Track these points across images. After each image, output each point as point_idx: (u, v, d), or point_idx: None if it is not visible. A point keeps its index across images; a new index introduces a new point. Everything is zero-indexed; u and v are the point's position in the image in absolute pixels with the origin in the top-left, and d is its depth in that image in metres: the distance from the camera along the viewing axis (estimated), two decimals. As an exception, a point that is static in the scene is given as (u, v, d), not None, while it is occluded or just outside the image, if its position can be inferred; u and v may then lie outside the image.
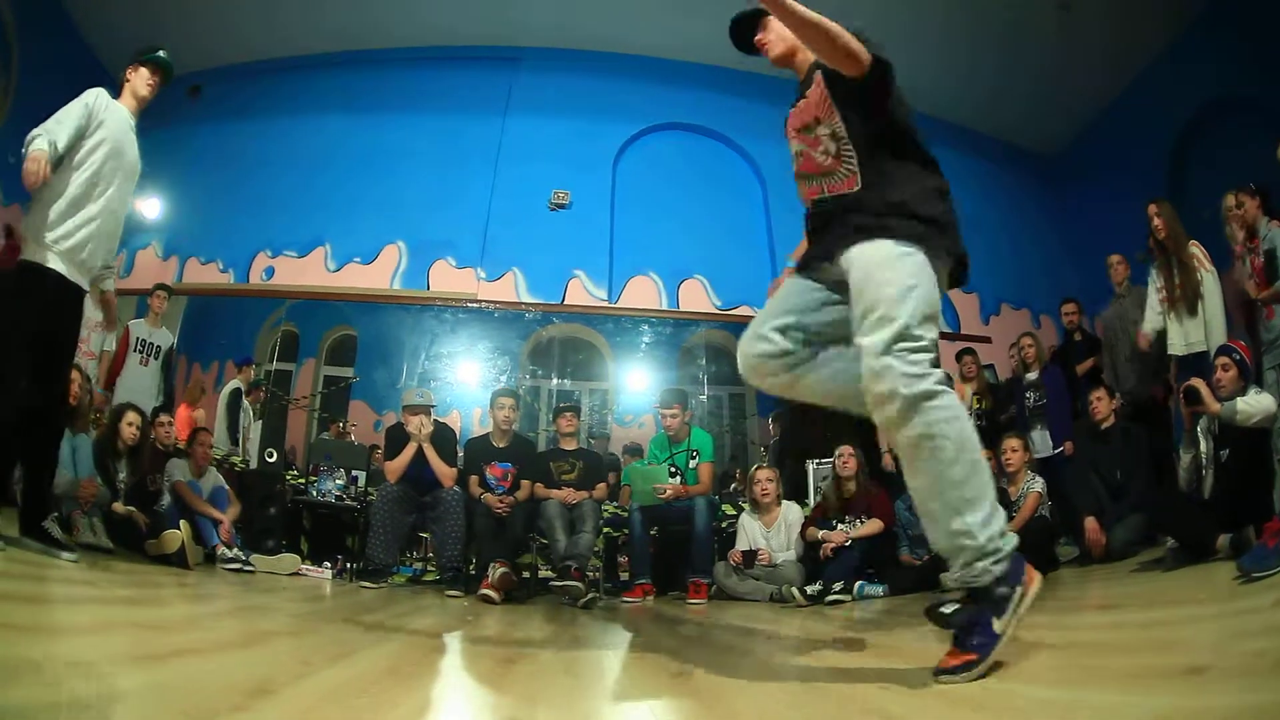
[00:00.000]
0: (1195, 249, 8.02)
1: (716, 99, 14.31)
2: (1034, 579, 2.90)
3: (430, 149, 14.11)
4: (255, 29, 14.41)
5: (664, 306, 13.33)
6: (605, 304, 13.27)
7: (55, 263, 5.45)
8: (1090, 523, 7.58)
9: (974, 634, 2.77)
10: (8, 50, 12.22)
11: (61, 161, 5.58)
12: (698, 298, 13.35)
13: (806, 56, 3.76)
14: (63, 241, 5.48)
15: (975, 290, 13.38)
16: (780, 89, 12.52)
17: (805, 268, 3.60)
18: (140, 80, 6.19)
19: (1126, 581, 6.29)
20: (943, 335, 12.24)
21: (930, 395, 2.89)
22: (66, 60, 13.25)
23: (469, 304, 13.27)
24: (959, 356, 10.86)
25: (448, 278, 13.46)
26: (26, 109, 11.59)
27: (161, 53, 6.29)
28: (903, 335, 2.94)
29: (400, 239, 13.60)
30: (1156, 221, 8.22)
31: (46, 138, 5.44)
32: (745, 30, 3.97)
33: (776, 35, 3.80)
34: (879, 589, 7.56)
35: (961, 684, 2.67)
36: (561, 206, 13.64)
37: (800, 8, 3.13)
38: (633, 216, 13.75)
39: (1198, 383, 6.71)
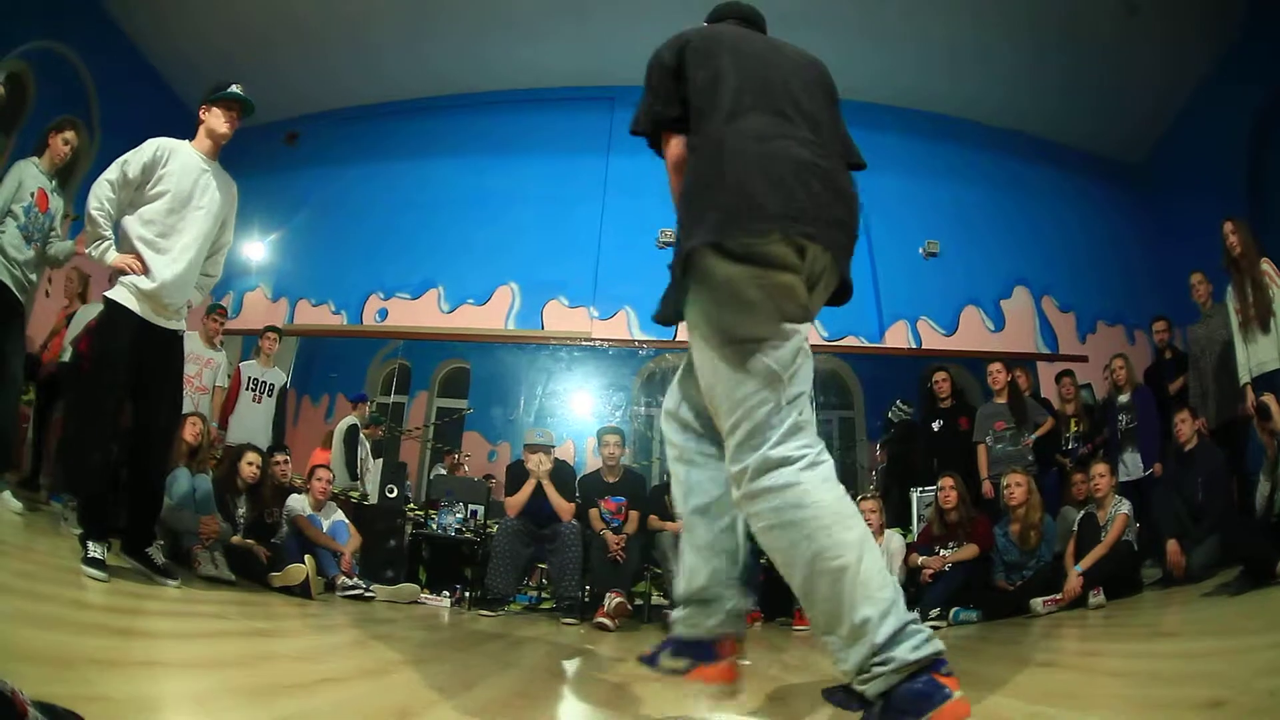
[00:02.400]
0: (1268, 266, 7.97)
1: None
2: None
3: (537, 191, 14.34)
4: (350, 75, 14.70)
5: (773, 340, 13.32)
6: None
7: (133, 304, 5.63)
8: (1172, 545, 7.54)
9: None
10: (88, 107, 12.59)
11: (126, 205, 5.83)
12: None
13: None
14: (140, 284, 5.66)
15: (1072, 309, 13.30)
16: (872, 114, 12.46)
17: None
18: (215, 119, 6.20)
19: (1194, 606, 6.34)
20: (1041, 356, 12.22)
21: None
22: (158, 113, 13.62)
23: (583, 342, 13.52)
24: (1058, 379, 10.84)
25: (561, 317, 13.74)
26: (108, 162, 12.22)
27: (233, 88, 6.33)
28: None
29: (513, 280, 13.85)
30: (1232, 239, 8.12)
31: (103, 227, 5.72)
32: None
33: None
34: (973, 614, 7.65)
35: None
36: (669, 244, 13.57)
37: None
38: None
39: (1269, 399, 6.78)
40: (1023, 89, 13.38)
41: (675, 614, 3.07)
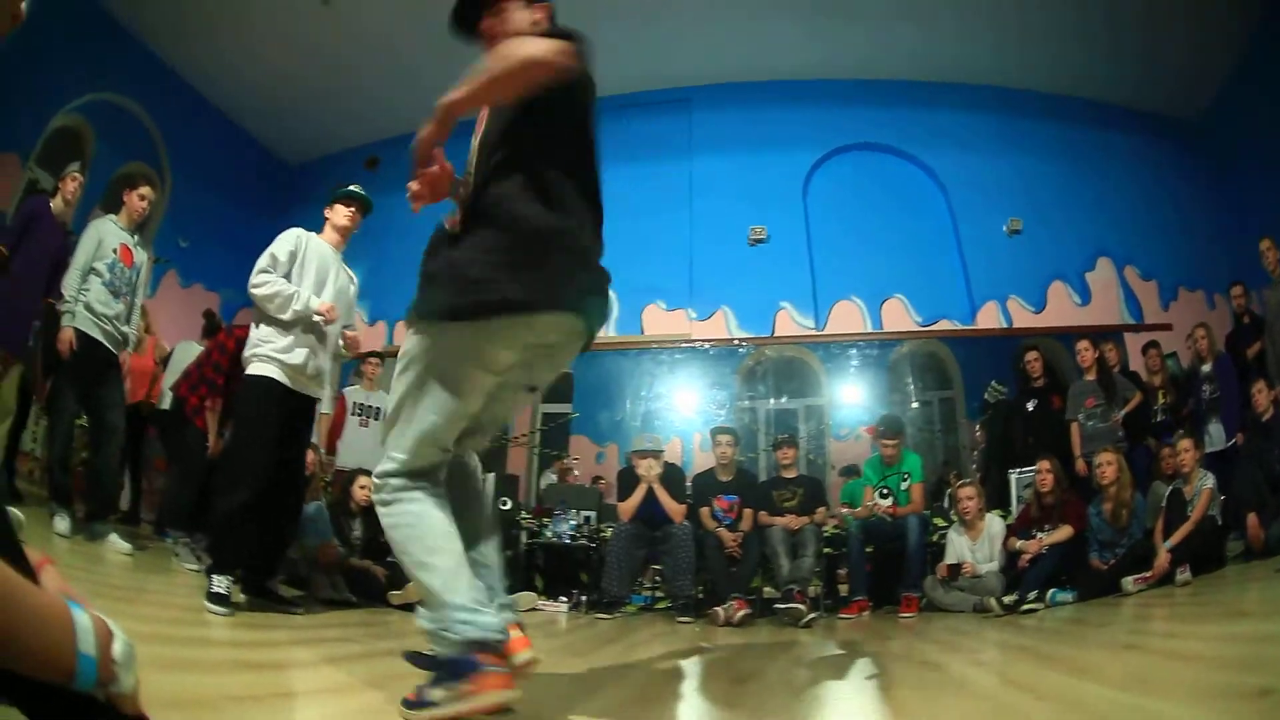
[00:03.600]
0: None
1: (886, 114, 14.47)
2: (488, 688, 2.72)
3: (625, 196, 14.22)
4: (428, 96, 14.69)
5: (868, 328, 13.54)
6: (814, 332, 13.57)
7: (281, 376, 5.97)
8: (1252, 518, 7.52)
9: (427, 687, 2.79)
10: (156, 153, 13.02)
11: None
12: (899, 316, 13.53)
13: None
14: (286, 359, 5.99)
15: (1154, 277, 13.23)
16: (938, 95, 12.54)
17: None
18: (338, 215, 6.67)
19: (1269, 583, 6.41)
20: (1127, 327, 12.33)
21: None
22: (229, 152, 14.44)
23: (683, 344, 13.74)
24: (1144, 350, 10.83)
25: (661, 320, 13.99)
26: (186, 195, 12.78)
27: (353, 187, 6.78)
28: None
29: (610, 288, 13.88)
30: (1270, 256, 8.20)
31: (286, 286, 6.05)
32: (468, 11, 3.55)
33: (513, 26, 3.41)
34: (1069, 595, 7.63)
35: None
36: (760, 241, 14.00)
37: (465, 88, 2.99)
38: (828, 242, 13.98)
39: None
40: (1077, 51, 13.34)
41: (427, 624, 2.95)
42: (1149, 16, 12.25)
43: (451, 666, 2.74)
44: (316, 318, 6.06)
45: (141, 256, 7.84)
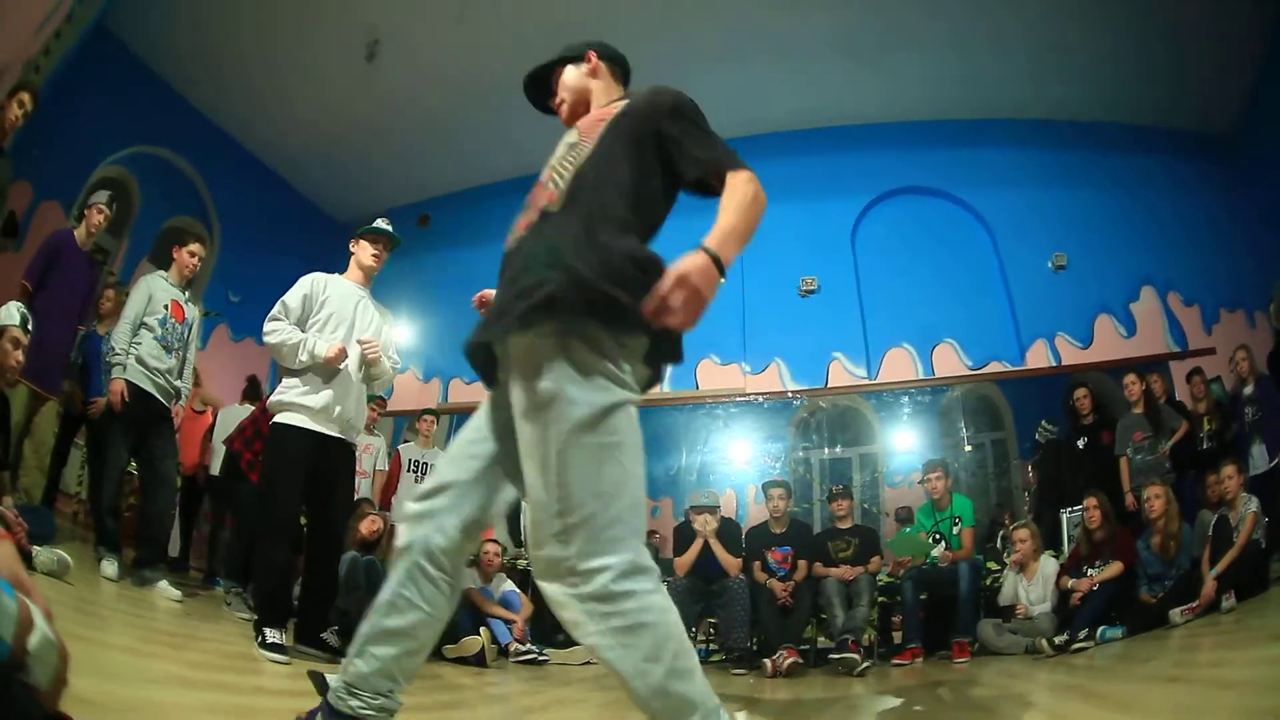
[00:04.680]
0: None
1: (929, 155, 14.43)
2: None
3: (675, 250, 14.35)
4: (476, 155, 15.18)
5: (920, 375, 13.51)
6: (866, 381, 13.54)
7: (306, 423, 6.05)
8: None
9: None
10: (204, 207, 13.35)
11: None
12: (950, 361, 13.47)
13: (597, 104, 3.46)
14: (313, 405, 6.08)
15: (1196, 301, 13.03)
16: (977, 133, 12.52)
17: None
18: (363, 252, 6.67)
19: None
20: (1172, 356, 12.26)
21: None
22: (277, 206, 14.93)
23: (738, 398, 13.78)
24: (1189, 378, 10.76)
25: (714, 375, 14.01)
26: (236, 251, 13.22)
27: (379, 222, 6.80)
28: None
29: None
30: None
31: (292, 335, 6.15)
32: (540, 88, 3.73)
33: (570, 94, 3.56)
34: (1119, 631, 7.63)
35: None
36: (811, 292, 14.04)
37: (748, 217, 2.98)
38: (878, 290, 13.96)
39: None
40: (1101, 74, 13.26)
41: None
42: (1175, 29, 12.21)
43: None
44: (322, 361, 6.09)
45: (193, 312, 8.00)
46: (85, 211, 8.09)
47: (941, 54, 13.24)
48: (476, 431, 2.95)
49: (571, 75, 3.50)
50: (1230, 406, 10.21)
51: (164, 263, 8.01)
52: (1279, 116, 12.23)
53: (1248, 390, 9.75)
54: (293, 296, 6.29)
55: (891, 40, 12.95)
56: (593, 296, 2.59)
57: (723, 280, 2.74)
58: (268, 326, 6.12)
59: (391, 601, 2.76)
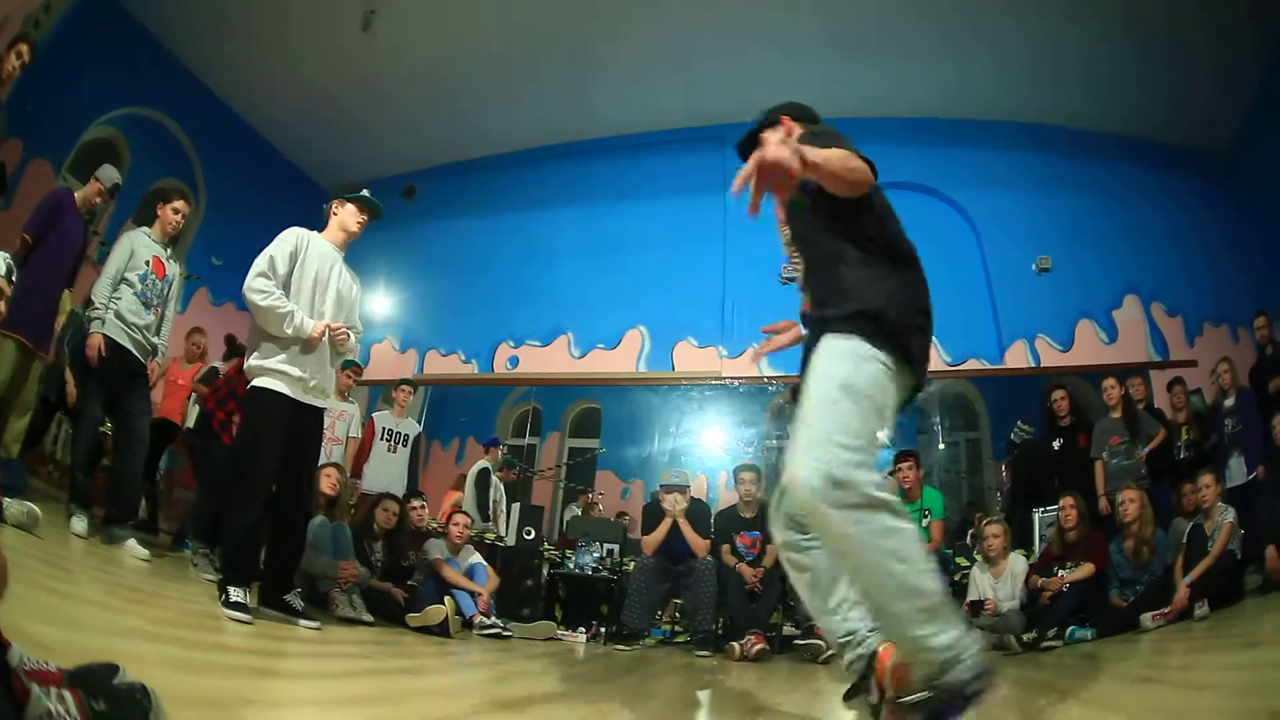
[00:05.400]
0: None
1: (919, 153, 14.29)
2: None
3: (658, 233, 14.64)
4: (464, 128, 15.16)
5: (897, 368, 13.39)
6: (844, 371, 13.41)
7: (283, 389, 6.00)
8: (1271, 550, 7.36)
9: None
10: (190, 168, 13.25)
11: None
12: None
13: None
14: (289, 371, 6.02)
15: (1179, 312, 13.08)
16: (969, 133, 12.51)
17: None
18: (349, 217, 6.56)
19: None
20: (1152, 365, 12.12)
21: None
22: (264, 171, 14.73)
23: (713, 381, 13.73)
24: (1169, 387, 10.80)
25: (691, 357, 13.97)
26: (221, 214, 13.19)
27: (366, 192, 6.67)
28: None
29: (641, 323, 14.18)
30: None
31: (283, 303, 6.00)
32: (748, 150, 4.03)
33: (771, 138, 3.89)
34: (1088, 633, 7.67)
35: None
36: (792, 280, 13.83)
37: (821, 158, 3.14)
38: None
39: None
40: (1099, 85, 13.31)
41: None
42: (1175, 48, 12.23)
43: (970, 687, 2.73)
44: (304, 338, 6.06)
45: (173, 270, 7.89)
46: (89, 182, 7.87)
47: (938, 53, 13.26)
48: None
49: (771, 140, 3.73)
50: (1210, 418, 10.30)
51: (148, 223, 7.89)
52: (1275, 137, 12.27)
53: (1228, 403, 9.85)
54: (280, 252, 6.15)
55: (888, 37, 12.98)
56: None
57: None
58: (257, 284, 5.93)
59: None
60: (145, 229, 7.77)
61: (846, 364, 3.21)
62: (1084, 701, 4.08)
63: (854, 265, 3.48)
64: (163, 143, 13.03)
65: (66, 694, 1.61)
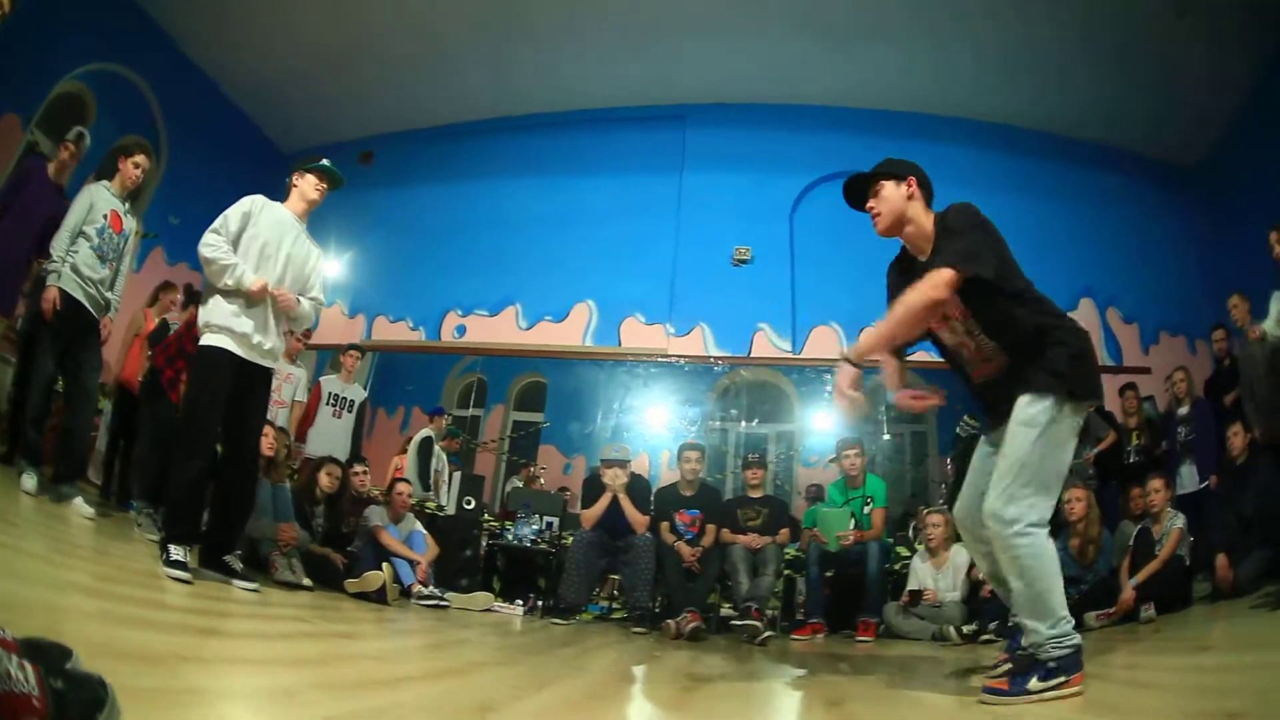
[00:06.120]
0: None
1: (878, 143, 13.84)
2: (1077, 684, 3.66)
3: (613, 209, 14.60)
4: (424, 95, 15.02)
5: (846, 355, 13.38)
6: (790, 355, 13.52)
7: (232, 347, 5.98)
8: (1221, 559, 7.58)
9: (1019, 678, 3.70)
10: (154, 126, 12.98)
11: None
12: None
13: (919, 229, 4.37)
14: (236, 329, 6.01)
15: (1136, 320, 13.20)
16: (937, 129, 12.50)
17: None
18: (309, 186, 6.62)
19: (1238, 620, 6.40)
20: (1105, 369, 11.76)
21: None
22: (225, 133, 14.48)
23: (659, 359, 13.68)
24: (1121, 392, 10.83)
25: (638, 334, 13.94)
26: (181, 174, 12.89)
27: (326, 161, 6.73)
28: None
29: (590, 298, 14.11)
30: (1279, 249, 8.31)
31: (227, 255, 6.00)
32: (857, 190, 4.58)
33: (887, 209, 4.40)
34: None
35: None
36: (744, 262, 13.94)
37: (895, 321, 4.06)
38: (811, 267, 13.95)
39: None
40: (1079, 94, 13.34)
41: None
42: (1158, 61, 12.31)
43: (1064, 665, 3.66)
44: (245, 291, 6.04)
45: (130, 224, 7.80)
46: (60, 146, 8.01)
47: (913, 47, 13.24)
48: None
49: (892, 193, 4.39)
50: (1162, 425, 10.39)
51: (109, 177, 7.78)
52: (1248, 157, 12.37)
53: (1183, 410, 9.93)
54: (235, 214, 6.21)
55: (862, 27, 12.90)
56: None
57: (856, 368, 4.20)
58: (208, 238, 6.01)
59: None
60: (105, 182, 7.65)
61: None
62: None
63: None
64: (130, 100, 12.81)
65: (26, 664, 1.54)
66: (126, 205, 7.72)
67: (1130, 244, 13.50)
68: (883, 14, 12.64)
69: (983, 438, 4.61)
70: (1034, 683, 3.62)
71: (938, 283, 3.87)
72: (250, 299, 6.08)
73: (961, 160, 13.08)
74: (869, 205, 4.48)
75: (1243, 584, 7.27)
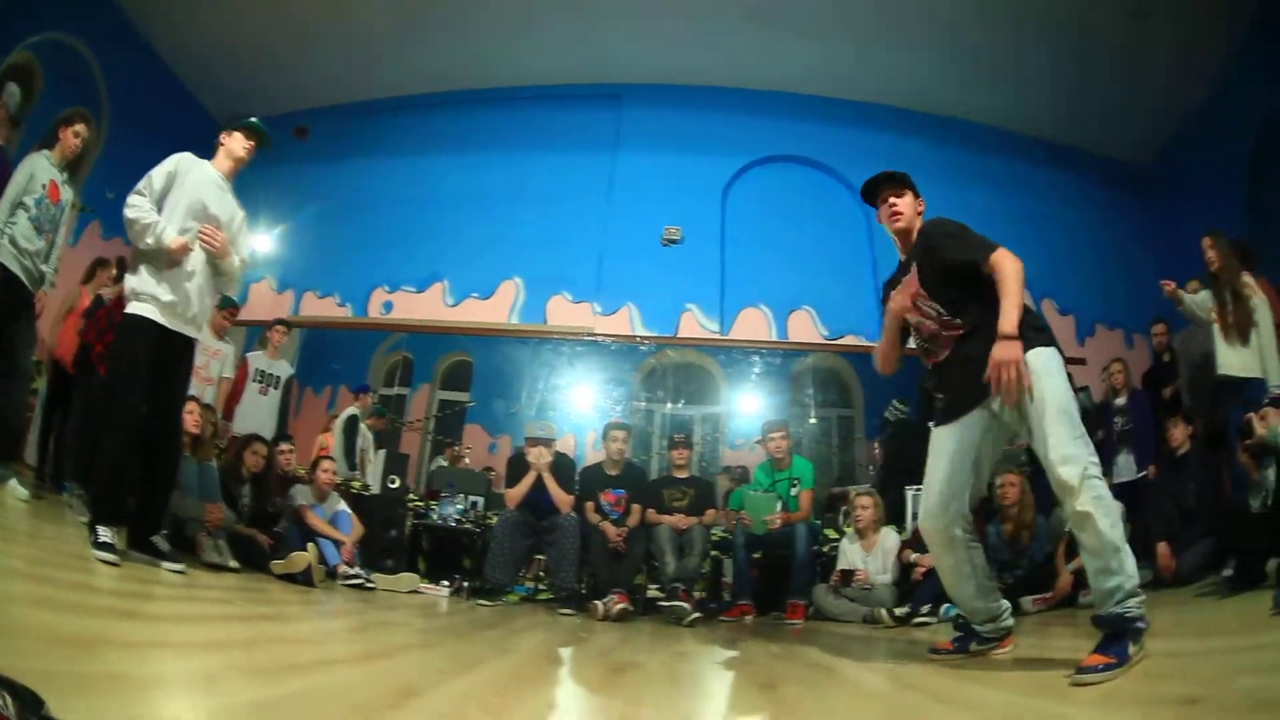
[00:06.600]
0: (1249, 278, 8.22)
1: (816, 130, 14.48)
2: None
3: (543, 186, 14.48)
4: (361, 71, 14.83)
5: (774, 337, 13.53)
6: (717, 336, 13.52)
7: (156, 315, 5.86)
8: (1162, 547, 7.63)
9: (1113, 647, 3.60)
10: (97, 98, 12.71)
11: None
12: (805, 328, 13.53)
13: (911, 234, 4.91)
14: (161, 297, 5.88)
15: (1072, 312, 13.39)
16: (877, 118, 12.54)
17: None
18: (235, 144, 6.53)
19: (1182, 608, 6.42)
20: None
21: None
22: (167, 107, 14.06)
23: (585, 337, 13.60)
24: (1056, 382, 10.78)
25: (565, 312, 13.82)
26: (122, 148, 12.42)
27: (255, 119, 6.65)
28: None
29: (517, 275, 13.97)
30: (1210, 254, 8.43)
31: (148, 215, 5.91)
32: (877, 185, 5.03)
33: (908, 215, 4.91)
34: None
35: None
36: (673, 242, 13.91)
37: (1017, 288, 4.22)
38: (742, 249, 13.96)
39: (1249, 417, 6.90)
40: (1032, 92, 13.50)
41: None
42: (1113, 60, 12.52)
43: (1141, 627, 3.73)
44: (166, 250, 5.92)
45: (67, 194, 7.64)
46: None
47: (865, 38, 13.29)
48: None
49: (911, 204, 4.95)
50: (1097, 414, 10.41)
51: (50, 146, 7.63)
52: (1197, 160, 12.75)
53: (1120, 401, 10.09)
54: (159, 174, 6.13)
55: (813, 15, 12.97)
56: None
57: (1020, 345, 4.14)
58: (131, 200, 5.94)
59: None
60: (47, 152, 7.52)
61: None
62: (965, 676, 4.07)
63: None
64: (77, 71, 12.52)
65: (6, 695, 1.46)
66: (65, 175, 7.58)
67: (1073, 238, 13.69)
68: (834, 2, 12.71)
69: (942, 430, 4.66)
70: (1133, 648, 3.62)
71: (1008, 254, 4.30)
72: (175, 265, 5.96)
73: (896, 150, 13.12)
74: (894, 202, 4.93)
75: (1185, 573, 7.38)
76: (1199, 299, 8.70)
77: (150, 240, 5.83)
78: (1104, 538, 3.80)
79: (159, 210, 6.01)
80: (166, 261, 5.93)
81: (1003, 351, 4.06)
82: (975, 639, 4.68)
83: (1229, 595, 6.17)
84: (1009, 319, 4.12)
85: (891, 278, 5.11)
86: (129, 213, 5.87)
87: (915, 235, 4.88)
